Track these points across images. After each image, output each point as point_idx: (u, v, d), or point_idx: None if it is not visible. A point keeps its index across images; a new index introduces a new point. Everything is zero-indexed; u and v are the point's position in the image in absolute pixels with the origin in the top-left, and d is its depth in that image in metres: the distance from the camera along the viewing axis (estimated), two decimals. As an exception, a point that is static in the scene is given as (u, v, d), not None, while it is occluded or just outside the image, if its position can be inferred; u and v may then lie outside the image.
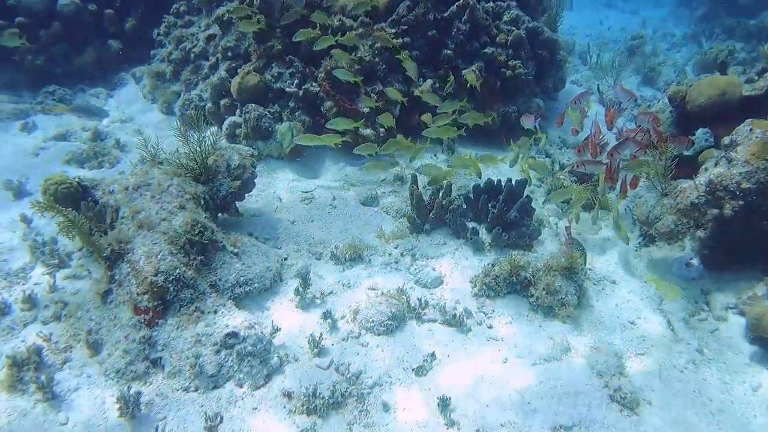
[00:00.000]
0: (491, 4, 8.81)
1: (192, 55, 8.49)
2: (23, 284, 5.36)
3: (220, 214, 6.04)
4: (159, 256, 4.75)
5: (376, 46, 7.56)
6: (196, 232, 4.99)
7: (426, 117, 7.12)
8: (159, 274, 4.65)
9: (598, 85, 11.96)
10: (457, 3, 8.10)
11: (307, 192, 7.04)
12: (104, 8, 10.04)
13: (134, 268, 4.72)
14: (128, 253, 4.83)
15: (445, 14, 8.17)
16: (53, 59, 9.76)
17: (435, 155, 8.01)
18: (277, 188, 7.10)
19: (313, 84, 7.44)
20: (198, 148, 5.68)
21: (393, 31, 7.71)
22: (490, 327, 5.28)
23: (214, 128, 8.13)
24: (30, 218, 6.18)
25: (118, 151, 7.85)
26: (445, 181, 6.71)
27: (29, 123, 8.38)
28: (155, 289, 4.63)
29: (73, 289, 5.31)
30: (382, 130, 7.48)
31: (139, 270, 4.68)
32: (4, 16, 9.45)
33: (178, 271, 4.73)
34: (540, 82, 9.47)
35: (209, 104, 7.99)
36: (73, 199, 5.45)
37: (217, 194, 5.83)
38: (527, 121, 7.31)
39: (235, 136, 7.62)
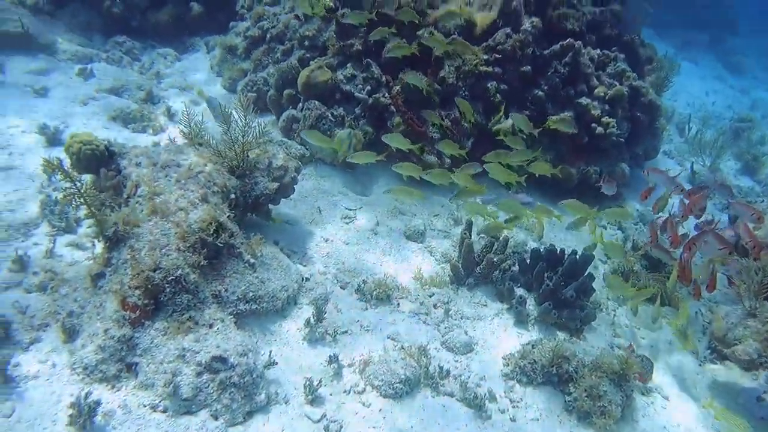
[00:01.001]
0: (598, 51, 8.07)
1: (268, 35, 8.07)
2: (22, 241, 4.98)
3: (249, 214, 5.52)
4: (164, 250, 4.24)
5: (462, 69, 6.93)
6: (211, 232, 4.46)
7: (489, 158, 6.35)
8: (158, 271, 4.14)
9: (693, 162, 10.99)
10: (561, 42, 7.40)
11: (351, 210, 6.46)
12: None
13: (134, 256, 4.21)
14: (133, 239, 4.33)
15: (546, 52, 7.48)
16: (131, 10, 9.56)
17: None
18: (320, 198, 6.55)
19: (385, 95, 6.87)
20: (241, 138, 5.17)
21: (485, 57, 7.07)
22: (513, 420, 4.55)
23: (272, 118, 7.68)
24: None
25: (166, 119, 7.49)
26: (502, 234, 6.03)
27: (88, 69, 8.13)
28: (150, 286, 4.11)
29: (71, 260, 4.88)
30: (448, 160, 6.86)
31: (138, 260, 4.17)
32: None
33: (180, 271, 4.20)
34: (630, 147, 8.65)
35: (272, 91, 7.53)
36: (97, 162, 5.04)
37: (250, 192, 5.31)
38: (608, 188, 6.55)
39: (291, 131, 7.14)
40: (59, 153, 5.86)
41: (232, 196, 5.09)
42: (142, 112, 7.27)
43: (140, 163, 5.08)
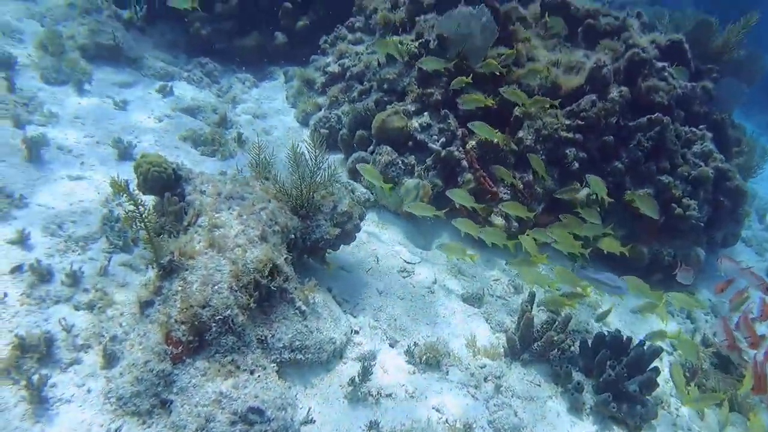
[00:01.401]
0: (685, 128, 7.71)
1: (348, 73, 8.07)
2: (78, 254, 4.96)
3: (306, 257, 5.38)
4: (215, 287, 4.12)
5: (542, 132, 6.71)
6: (266, 274, 4.32)
7: (556, 227, 6.03)
8: (207, 308, 4.01)
9: (773, 254, 10.33)
10: (649, 116, 7.09)
11: (409, 263, 6.25)
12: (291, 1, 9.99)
13: (185, 289, 4.11)
14: (187, 270, 4.24)
15: (631, 123, 7.18)
16: (218, 33, 9.80)
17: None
18: (379, 246, 6.37)
19: (459, 149, 6.69)
20: (308, 178, 5.07)
21: (567, 122, 6.82)
22: None
23: (340, 156, 7.61)
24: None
25: (236, 146, 7.51)
26: (565, 310, 5.71)
27: (168, 87, 8.30)
28: (196, 323, 3.98)
29: (123, 281, 4.83)
30: (516, 224, 6.60)
31: (188, 294, 4.06)
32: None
33: (229, 312, 4.06)
34: (709, 231, 8.16)
35: (345, 130, 7.48)
36: (163, 186, 5.02)
37: (310, 235, 5.18)
38: (685, 276, 6.15)
39: (358, 173, 7.02)
40: (129, 168, 5.93)
41: (292, 236, 4.98)
42: (213, 135, 7.32)
43: (205, 191, 5.03)
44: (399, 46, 6.97)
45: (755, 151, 9.32)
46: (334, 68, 8.28)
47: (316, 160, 5.13)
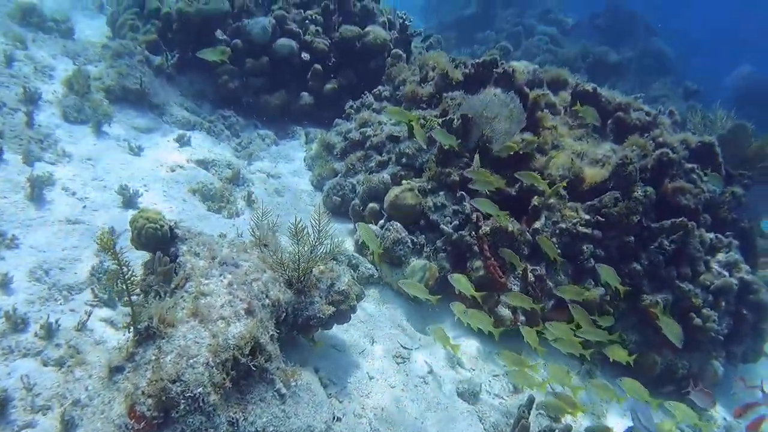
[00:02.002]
0: (711, 235, 7.45)
1: (368, 142, 8.03)
2: (60, 304, 4.81)
3: (296, 332, 5.15)
4: (191, 361, 3.89)
5: (560, 225, 6.51)
6: (247, 352, 4.10)
7: (555, 326, 5.73)
8: (177, 383, 3.78)
9: (801, 376, 9.77)
10: (673, 219, 6.86)
11: (406, 348, 5.98)
12: (316, 62, 10.11)
13: (158, 359, 3.89)
14: (164, 339, 4.03)
15: (654, 225, 6.95)
16: (245, 88, 9.92)
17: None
18: (377, 326, 6.13)
19: (472, 234, 6.51)
20: (309, 253, 4.92)
21: (587, 217, 6.63)
22: None
23: (350, 226, 7.47)
24: (115, 233, 5.75)
25: (244, 205, 7.42)
26: (566, 418, 5.39)
27: (186, 137, 8.32)
28: (164, 398, 3.74)
29: (100, 337, 4.64)
30: (523, 317, 6.32)
31: (161, 365, 3.84)
32: (233, 36, 9.85)
33: (200, 389, 3.83)
34: (728, 345, 7.74)
35: (357, 200, 7.37)
36: (157, 243, 4.88)
37: (303, 312, 4.97)
38: (701, 399, 5.78)
39: (366, 247, 6.86)
40: (129, 215, 5.85)
41: (283, 311, 4.78)
42: (222, 192, 7.26)
43: (199, 253, 4.89)
44: (420, 129, 6.88)
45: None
46: (355, 135, 8.26)
47: (319, 234, 4.98)
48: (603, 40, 24.55)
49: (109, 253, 3.87)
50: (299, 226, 4.70)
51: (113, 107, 8.43)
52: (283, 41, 9.71)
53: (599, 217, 6.68)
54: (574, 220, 6.57)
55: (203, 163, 7.99)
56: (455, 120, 6.98)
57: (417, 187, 6.86)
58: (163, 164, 7.66)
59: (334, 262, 5.40)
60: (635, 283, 6.80)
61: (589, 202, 6.85)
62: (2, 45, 8.76)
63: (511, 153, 6.85)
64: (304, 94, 10.08)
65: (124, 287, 3.92)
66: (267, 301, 4.62)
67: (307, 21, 10.24)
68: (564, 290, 5.89)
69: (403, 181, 7.00)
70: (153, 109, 8.89)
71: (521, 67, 8.57)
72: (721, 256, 7.51)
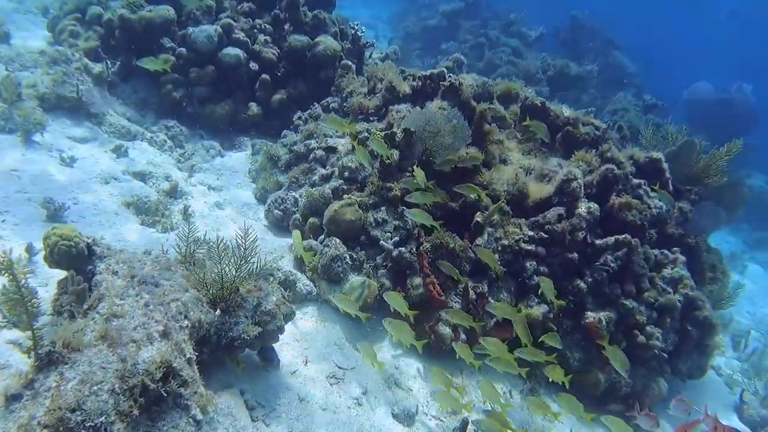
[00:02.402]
0: (656, 252, 7.51)
1: (312, 155, 7.91)
2: (-37, 326, 4.55)
3: (220, 354, 4.99)
4: (94, 388, 3.71)
5: (501, 241, 6.48)
6: (158, 377, 3.92)
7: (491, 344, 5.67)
8: (77, 412, 3.58)
9: (743, 390, 9.89)
10: (617, 237, 6.89)
11: (341, 368, 5.85)
12: (265, 72, 9.97)
13: (59, 386, 3.69)
14: (67, 364, 3.84)
15: (598, 242, 6.97)
16: (190, 97, 9.73)
17: (509, 393, 6.53)
18: (312, 345, 5.99)
19: (413, 250, 6.43)
20: (236, 271, 4.78)
21: (530, 233, 6.61)
22: None
23: (290, 241, 7.33)
24: (35, 250, 5.52)
25: (181, 219, 7.23)
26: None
27: (123, 148, 8.09)
28: (62, 429, 3.54)
29: (5, 362, 4.41)
30: (463, 335, 6.25)
31: (61, 393, 3.65)
32: (179, 44, 9.67)
33: (103, 419, 3.64)
34: (674, 361, 7.80)
35: (298, 215, 7.25)
36: (72, 261, 4.69)
37: (227, 332, 4.81)
38: (647, 423, 5.78)
39: (305, 265, 6.74)
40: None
41: (204, 332, 4.61)
42: (157, 205, 7.05)
43: (118, 272, 4.70)
44: (361, 147, 6.78)
45: (728, 282, 9.10)
46: (300, 148, 8.13)
47: (245, 252, 4.84)
48: (566, 54, 24.93)
49: (6, 273, 3.68)
50: (221, 245, 4.55)
51: (47, 116, 8.17)
52: (229, 50, 9.55)
53: (543, 234, 6.67)
54: (517, 237, 6.55)
55: (140, 175, 7.77)
56: (398, 134, 6.92)
57: (358, 201, 6.77)
58: (97, 176, 7.43)
59: (264, 280, 5.25)
60: (579, 301, 6.80)
61: (533, 218, 6.84)
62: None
63: (454, 167, 6.81)
64: (252, 104, 9.92)
65: (24, 309, 3.72)
66: (186, 322, 4.45)
67: (255, 30, 10.11)
68: (496, 308, 5.83)
69: (345, 196, 6.90)
70: (91, 118, 8.64)
71: (470, 80, 8.57)
72: (666, 272, 7.57)
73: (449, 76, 7.86)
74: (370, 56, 11.65)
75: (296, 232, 6.62)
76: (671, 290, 7.32)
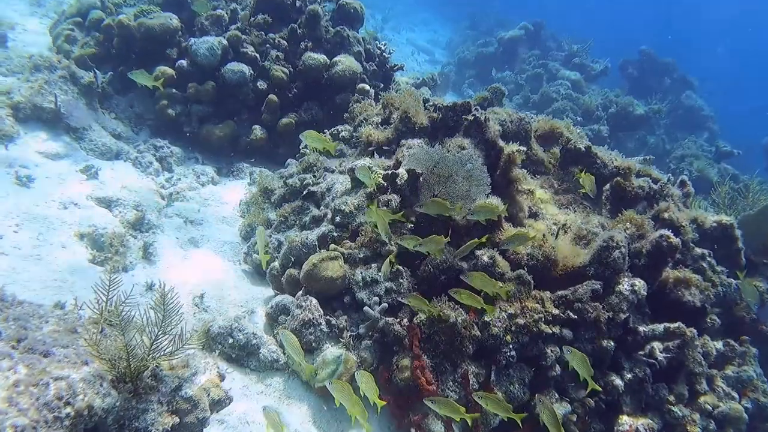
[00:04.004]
0: (719, 344, 6.29)
1: (306, 191, 6.97)
2: None
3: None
4: None
5: (516, 320, 5.34)
6: (-3, 497, 2.98)
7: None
8: None
9: None
10: (668, 324, 5.70)
11: (303, 464, 4.81)
12: (274, 91, 9.16)
13: None
14: None
15: (643, 329, 5.80)
16: (187, 116, 9.01)
17: None
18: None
19: (404, 322, 5.37)
20: (151, 342, 3.84)
21: (555, 311, 5.45)
22: None
23: (267, 292, 6.40)
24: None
25: (139, 257, 6.38)
26: None
27: (93, 169, 7.34)
28: None
29: None
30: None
31: None
32: (180, 55, 9.01)
33: None
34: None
35: (277, 263, 6.29)
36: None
37: (130, 422, 3.84)
38: None
39: (277, 323, 5.77)
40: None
41: (96, 420, 3.66)
42: (113, 240, 6.21)
43: (1, 332, 3.82)
44: (370, 176, 5.84)
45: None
46: (295, 181, 7.20)
47: (163, 318, 3.90)
48: (633, 89, 23.55)
49: None
50: (117, 310, 3.63)
51: (19, 127, 7.53)
52: (233, 66, 8.78)
53: (571, 313, 5.50)
54: (538, 315, 5.39)
55: (105, 202, 6.98)
56: (400, 176, 5.91)
57: (345, 254, 5.77)
58: (55, 200, 6.68)
59: (199, 352, 4.30)
60: (613, 400, 5.58)
61: (560, 292, 5.67)
62: None
63: (468, 222, 5.74)
64: (256, 127, 9.10)
65: None
66: (67, 410, 3.51)
67: (268, 45, 9.34)
68: (483, 398, 4.60)
69: (331, 246, 5.91)
70: (70, 132, 7.96)
71: (503, 114, 7.53)
72: (731, 371, 6.29)
73: (475, 109, 6.84)
74: (393, 80, 10.70)
75: (260, 229, 5.77)
76: (736, 395, 6.01)
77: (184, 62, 8.85)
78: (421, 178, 5.86)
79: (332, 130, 8.35)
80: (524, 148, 6.51)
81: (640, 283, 5.69)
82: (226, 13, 9.54)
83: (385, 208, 5.69)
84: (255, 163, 9.23)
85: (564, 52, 24.94)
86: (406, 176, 5.89)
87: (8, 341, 3.77)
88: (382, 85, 10.14)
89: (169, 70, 8.76)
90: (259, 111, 9.18)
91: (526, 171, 6.75)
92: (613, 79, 24.89)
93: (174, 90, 8.86)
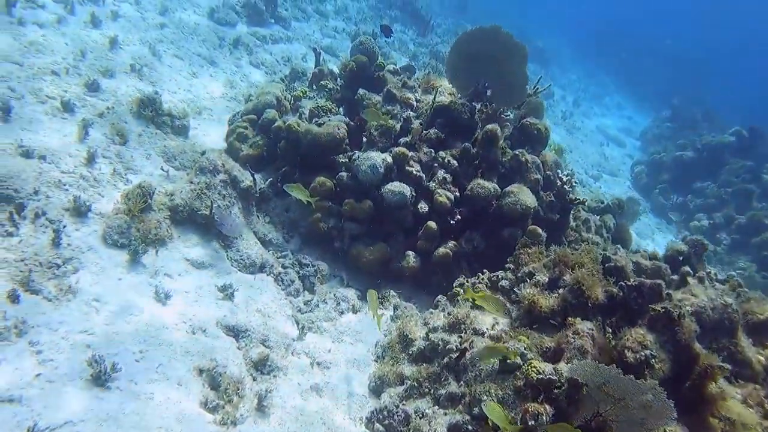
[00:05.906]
0: None
1: (447, 358, 6.25)
2: None
3: None
4: None
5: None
6: None
7: None
8: None
9: None
10: None
11: None
12: (436, 216, 8.67)
13: None
14: None
15: None
16: (340, 231, 8.79)
17: None
18: None
19: None
20: None
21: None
22: None
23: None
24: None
25: (252, 410, 6.00)
26: None
27: (230, 290, 7.25)
28: None
29: None
30: None
31: None
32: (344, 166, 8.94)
33: None
34: None
35: (399, 445, 5.61)
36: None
37: None
38: None
39: None
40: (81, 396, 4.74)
41: None
42: (229, 385, 5.93)
43: None
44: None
45: None
46: (437, 338, 6.52)
47: None
48: None
49: None
50: None
51: (174, 230, 7.71)
52: (394, 187, 8.44)
53: None
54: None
55: (234, 331, 6.80)
56: (559, 381, 5.02)
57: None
58: (186, 322, 6.61)
59: None
60: None
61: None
62: (100, 138, 8.57)
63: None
64: (410, 254, 8.63)
65: None
66: None
67: (436, 164, 8.93)
68: None
69: (460, 444, 5.13)
70: (221, 239, 8.03)
71: (702, 295, 6.37)
72: None
73: (666, 295, 5.81)
74: (571, 213, 9.75)
75: (371, 293, 5.81)
76: None
77: (345, 175, 8.71)
78: (584, 389, 4.93)
79: (491, 275, 7.60)
80: (728, 366, 5.35)
81: None
82: (398, 122, 9.34)
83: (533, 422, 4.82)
84: (403, 293, 8.72)
85: (786, 164, 22.15)
86: (565, 385, 5.00)
87: None
88: (558, 217, 9.28)
89: (328, 183, 8.66)
90: (416, 234, 8.73)
91: (725, 380, 5.56)
92: None
93: (330, 203, 8.73)
